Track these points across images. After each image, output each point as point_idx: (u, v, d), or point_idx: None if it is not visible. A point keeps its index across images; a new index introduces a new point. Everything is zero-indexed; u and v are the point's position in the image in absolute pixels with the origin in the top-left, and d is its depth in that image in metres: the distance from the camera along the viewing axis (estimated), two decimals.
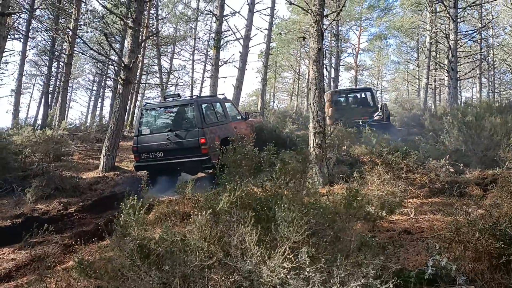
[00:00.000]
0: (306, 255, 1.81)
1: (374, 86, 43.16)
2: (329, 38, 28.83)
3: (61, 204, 7.69)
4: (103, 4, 12.96)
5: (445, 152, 7.79)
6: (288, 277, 1.78)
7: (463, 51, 23.31)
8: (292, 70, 34.54)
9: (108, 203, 7.68)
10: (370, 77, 43.18)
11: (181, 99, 9.04)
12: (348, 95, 17.02)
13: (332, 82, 24.49)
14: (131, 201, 2.74)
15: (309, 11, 7.39)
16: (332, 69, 25.11)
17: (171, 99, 9.13)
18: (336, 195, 5.12)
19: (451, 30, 18.32)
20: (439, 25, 23.10)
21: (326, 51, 29.31)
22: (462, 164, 7.02)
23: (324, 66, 7.19)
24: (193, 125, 8.19)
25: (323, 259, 1.88)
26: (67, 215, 7.19)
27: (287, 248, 1.86)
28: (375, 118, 14.30)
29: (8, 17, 15.64)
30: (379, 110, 14.80)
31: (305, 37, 8.41)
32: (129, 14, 11.00)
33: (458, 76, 17.47)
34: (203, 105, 8.60)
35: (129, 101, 15.32)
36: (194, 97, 9.30)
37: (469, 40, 23.00)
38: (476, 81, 31.07)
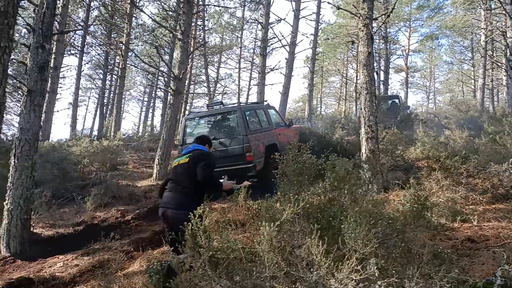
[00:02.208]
0: (375, 267, 1.74)
1: (426, 88, 41.68)
2: (377, 41, 28.16)
3: (119, 212, 7.99)
4: (153, 18, 13.45)
5: (507, 156, 7.31)
6: None
7: None
8: (339, 74, 34.05)
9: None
10: (422, 79, 41.65)
11: (224, 107, 8.99)
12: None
13: (382, 85, 23.87)
14: (199, 210, 2.76)
15: (358, 15, 7.24)
16: (382, 72, 24.48)
17: (215, 107, 9.04)
18: (393, 201, 4.95)
19: (508, 27, 17.37)
20: (495, 23, 21.88)
21: (375, 53, 28.67)
22: None
23: (374, 69, 6.99)
24: (237, 133, 8.06)
25: (393, 271, 1.80)
26: (125, 222, 7.45)
27: (355, 260, 1.80)
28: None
29: (65, 34, 16.62)
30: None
31: (354, 41, 8.23)
32: (178, 26, 11.31)
33: None
34: (247, 112, 8.46)
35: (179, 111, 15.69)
36: (237, 104, 9.20)
37: None
38: None
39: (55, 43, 14.22)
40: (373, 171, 6.42)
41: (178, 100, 10.98)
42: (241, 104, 9.21)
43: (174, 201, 3.90)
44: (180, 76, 10.71)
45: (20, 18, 4.09)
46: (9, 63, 3.54)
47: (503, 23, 19.08)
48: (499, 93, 31.95)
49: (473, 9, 24.40)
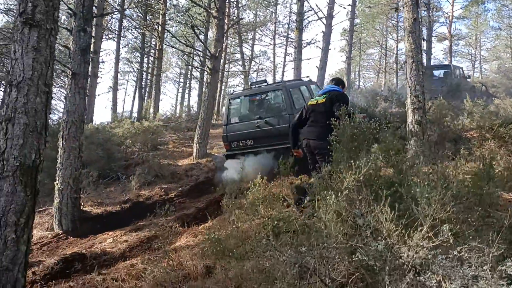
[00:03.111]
0: (450, 233, 1.63)
1: (471, 56, 39.45)
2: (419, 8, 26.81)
3: (162, 190, 8.17)
4: None
5: None
6: (430, 256, 1.63)
7: None
8: (378, 45, 32.79)
9: (203, 188, 8.00)
10: (467, 47, 39.32)
11: (268, 85, 8.87)
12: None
13: (424, 55, 22.85)
14: (258, 180, 2.79)
15: None
16: (424, 41, 23.34)
17: (258, 86, 8.88)
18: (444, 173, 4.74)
19: None
20: None
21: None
22: None
23: (421, 36, 6.65)
24: (283, 110, 7.91)
25: (471, 237, 1.68)
26: (168, 200, 7.60)
27: (427, 226, 1.71)
28: None
29: (103, 19, 16.87)
30: None
31: (398, 8, 7.84)
32: (213, 4, 11.17)
33: None
34: (291, 90, 8.24)
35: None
36: (281, 82, 9.03)
37: None
38: None
39: (94, 27, 14.46)
40: (420, 143, 6.18)
41: (215, 79, 10.96)
42: (285, 82, 9.13)
43: (315, 134, 4.67)
44: (217, 55, 10.65)
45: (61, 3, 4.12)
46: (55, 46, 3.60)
47: None
48: None
49: None
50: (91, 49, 14.18)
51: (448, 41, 30.08)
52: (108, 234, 5.95)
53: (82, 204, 7.10)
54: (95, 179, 8.92)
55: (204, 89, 11.29)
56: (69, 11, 6.68)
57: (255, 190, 2.51)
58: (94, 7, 13.56)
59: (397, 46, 29.89)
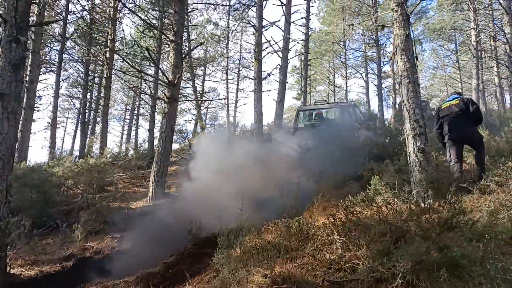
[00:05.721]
0: None
1: None
2: (363, 47, 27.85)
3: (115, 240, 6.66)
4: (142, 17, 12.20)
5: None
6: None
7: None
8: (327, 82, 33.08)
9: (169, 236, 6.57)
10: None
11: (327, 104, 13.32)
12: None
13: (376, 90, 23.47)
14: None
15: None
16: (376, 77, 23.97)
17: (320, 104, 13.47)
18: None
19: (506, 23, 17.11)
20: (485, 22, 22.11)
21: (364, 59, 28.08)
22: None
23: (415, 54, 5.96)
24: (336, 123, 11.17)
25: None
26: (124, 253, 6.10)
27: None
28: None
29: (41, 51, 15.14)
30: None
31: (385, 25, 7.22)
32: (171, 27, 10.17)
33: None
34: (342, 109, 11.94)
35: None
36: (336, 103, 13.36)
37: None
38: None
39: (30, 54, 12.81)
40: (428, 175, 5.33)
41: (174, 108, 9.72)
42: (339, 103, 13.55)
43: (464, 125, 5.91)
44: (175, 81, 9.50)
45: None
46: None
47: (501, 20, 19.22)
48: (485, 95, 31.69)
49: (459, 11, 24.22)
50: (26, 78, 12.47)
51: (392, 79, 31.05)
52: None
53: (9, 264, 5.46)
54: (28, 229, 7.19)
55: (162, 119, 10.00)
56: None
57: None
58: (34, 16, 11.94)
59: (346, 83, 30.41)
